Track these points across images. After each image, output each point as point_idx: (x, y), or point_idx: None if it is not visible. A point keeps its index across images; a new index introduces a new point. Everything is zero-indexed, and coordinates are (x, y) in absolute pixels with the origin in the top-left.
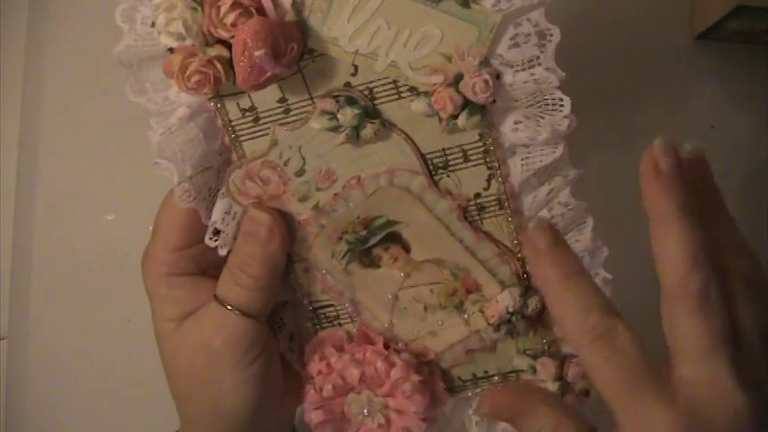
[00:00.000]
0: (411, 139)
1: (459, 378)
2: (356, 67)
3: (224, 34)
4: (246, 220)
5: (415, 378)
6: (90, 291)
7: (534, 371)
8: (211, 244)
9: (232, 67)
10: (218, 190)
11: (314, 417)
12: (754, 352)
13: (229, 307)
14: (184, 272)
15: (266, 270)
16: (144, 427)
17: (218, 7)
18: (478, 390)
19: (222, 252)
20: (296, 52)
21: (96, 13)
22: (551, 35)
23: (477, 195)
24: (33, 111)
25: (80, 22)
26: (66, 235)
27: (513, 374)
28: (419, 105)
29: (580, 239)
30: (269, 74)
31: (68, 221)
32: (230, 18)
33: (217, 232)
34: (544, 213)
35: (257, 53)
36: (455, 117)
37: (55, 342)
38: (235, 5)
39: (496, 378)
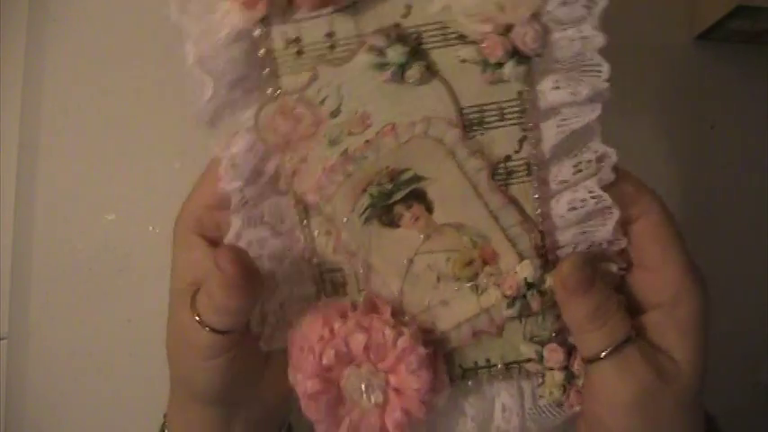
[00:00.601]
0: (452, 89)
1: (461, 366)
2: (409, 8)
3: None
4: (219, 254)
5: (422, 350)
6: (90, 291)
7: (542, 358)
8: (227, 182)
9: None
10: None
11: (309, 386)
12: None
13: (198, 318)
14: (205, 233)
15: (235, 302)
16: (144, 426)
17: None
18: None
19: (229, 187)
20: None
21: (96, 13)
22: None
23: (508, 158)
24: (33, 111)
25: (80, 22)
26: (66, 235)
27: (515, 365)
28: (467, 52)
29: (601, 229)
30: None
31: (68, 221)
32: None
33: (235, 164)
34: (568, 196)
35: None
36: (501, 66)
37: (55, 342)
38: None
39: (498, 367)
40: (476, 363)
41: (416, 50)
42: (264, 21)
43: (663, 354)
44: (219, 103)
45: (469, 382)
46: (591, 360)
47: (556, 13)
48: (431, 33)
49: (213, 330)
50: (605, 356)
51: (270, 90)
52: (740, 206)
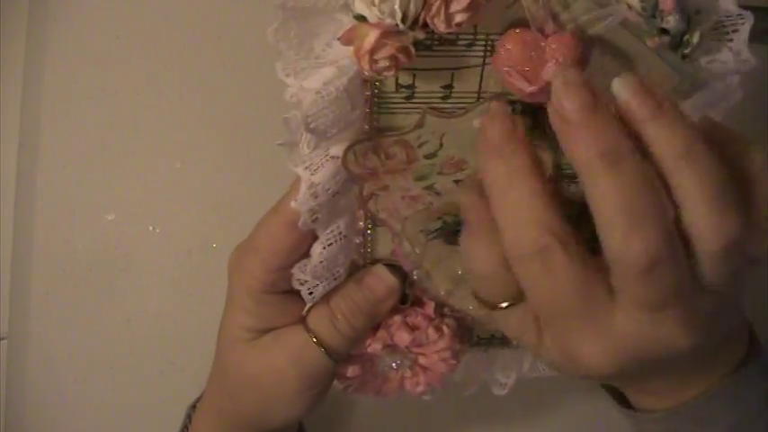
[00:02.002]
0: (556, 151)
1: (479, 336)
2: None
3: (442, 28)
4: (369, 274)
5: (457, 346)
6: (90, 291)
7: None
8: (303, 205)
9: (417, 44)
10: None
11: (350, 371)
12: (712, 293)
13: (315, 341)
14: (278, 290)
15: (367, 324)
16: (144, 427)
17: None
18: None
19: (300, 208)
20: None
21: (96, 13)
22: None
23: None
24: (33, 111)
25: (80, 22)
26: (66, 235)
27: None
28: None
29: None
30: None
31: (68, 221)
32: (460, 17)
33: (315, 194)
34: None
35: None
36: None
37: (55, 342)
38: (472, 5)
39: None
40: (492, 335)
41: (538, 118)
42: None
43: None
44: (315, 144)
45: (484, 351)
46: None
47: None
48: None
49: (328, 355)
50: None
51: (366, 126)
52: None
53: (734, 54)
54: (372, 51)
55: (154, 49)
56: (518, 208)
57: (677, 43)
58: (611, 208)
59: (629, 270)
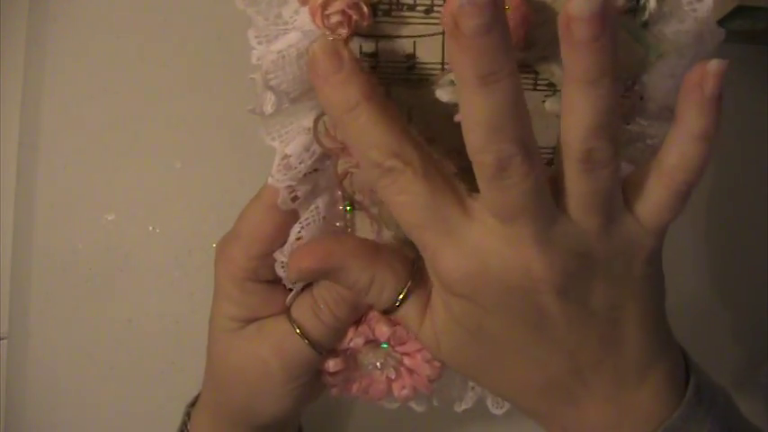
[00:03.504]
0: None
1: None
2: None
3: None
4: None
5: None
6: (90, 291)
7: None
8: (279, 180)
9: (375, 8)
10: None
11: (332, 365)
12: (575, 225)
13: (298, 332)
14: (261, 278)
15: (351, 314)
16: (144, 427)
17: None
18: None
19: (277, 184)
20: None
21: (96, 13)
22: None
23: None
24: (33, 111)
25: (80, 22)
26: (66, 235)
27: None
28: (553, 104)
29: None
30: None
31: (68, 221)
32: None
33: (288, 166)
34: None
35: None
36: None
37: (55, 342)
38: None
39: None
40: None
41: None
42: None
43: None
44: (281, 109)
45: None
46: None
47: None
48: (522, 77)
49: (311, 346)
50: None
51: None
52: (740, 206)
53: (699, 24)
54: (324, 6)
55: (154, 49)
56: (360, 136)
57: (634, 8)
58: (476, 117)
59: (482, 172)
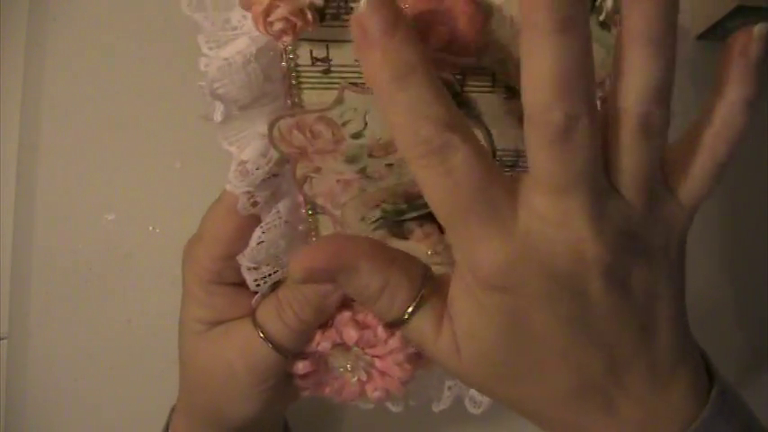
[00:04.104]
0: (490, 135)
1: None
2: None
3: None
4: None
5: (411, 350)
6: (90, 291)
7: None
8: (236, 186)
9: (321, 14)
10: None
11: (301, 367)
12: (625, 202)
13: (262, 336)
14: (226, 281)
15: (316, 317)
16: (144, 426)
17: None
18: None
19: (235, 190)
20: None
21: (96, 12)
22: None
23: None
24: (33, 111)
25: (80, 22)
26: (66, 235)
27: None
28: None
29: None
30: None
31: (68, 221)
32: None
33: (245, 171)
34: None
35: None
36: None
37: (55, 342)
38: None
39: None
40: None
41: (457, 96)
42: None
43: None
44: (231, 115)
45: None
46: None
47: None
48: (478, 78)
49: (275, 349)
50: None
51: (289, 102)
52: (740, 206)
53: None
54: (265, 14)
55: (154, 49)
56: (412, 107)
57: (590, 6)
58: (548, 70)
59: (544, 133)
